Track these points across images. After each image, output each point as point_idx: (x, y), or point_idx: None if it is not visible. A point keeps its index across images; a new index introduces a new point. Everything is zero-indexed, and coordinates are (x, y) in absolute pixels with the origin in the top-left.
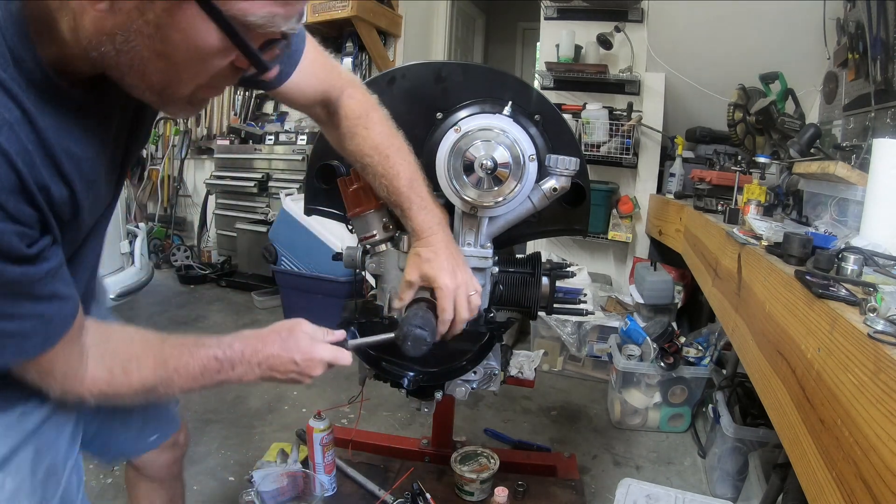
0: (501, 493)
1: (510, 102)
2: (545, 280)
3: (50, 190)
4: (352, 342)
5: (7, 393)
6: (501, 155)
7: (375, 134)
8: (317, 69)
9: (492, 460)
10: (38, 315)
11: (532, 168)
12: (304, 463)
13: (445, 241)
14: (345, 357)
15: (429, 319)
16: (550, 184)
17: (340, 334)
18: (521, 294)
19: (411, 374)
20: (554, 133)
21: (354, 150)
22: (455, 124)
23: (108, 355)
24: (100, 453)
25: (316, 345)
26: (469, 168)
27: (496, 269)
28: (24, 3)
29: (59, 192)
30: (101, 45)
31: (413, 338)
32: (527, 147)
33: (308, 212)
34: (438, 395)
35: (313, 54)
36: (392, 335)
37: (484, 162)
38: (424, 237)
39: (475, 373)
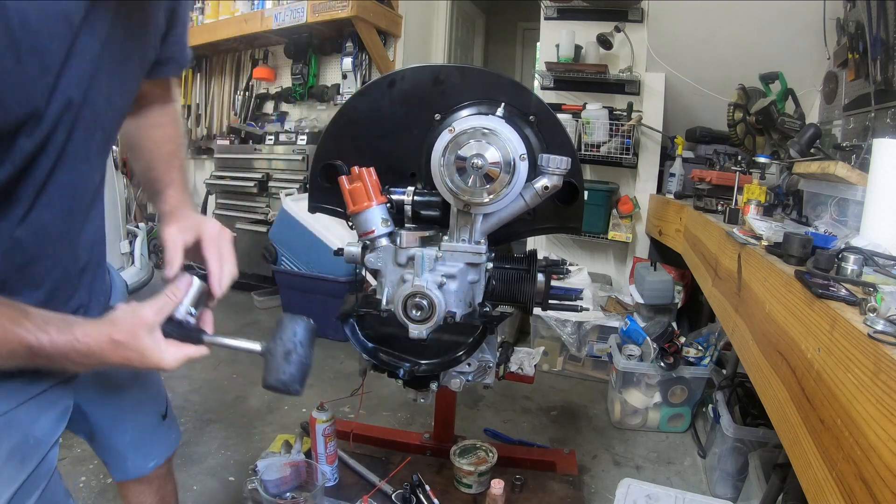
0: (497, 485)
1: (503, 104)
2: (540, 276)
3: None
4: (207, 338)
5: None
6: (492, 154)
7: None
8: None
9: (490, 454)
10: None
11: (523, 167)
12: (308, 454)
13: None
14: (198, 351)
15: (302, 358)
16: (542, 182)
17: (184, 283)
18: (517, 289)
19: (407, 364)
20: (549, 133)
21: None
22: (450, 125)
23: None
24: (108, 464)
25: (163, 355)
26: (462, 166)
27: (490, 265)
28: None
29: None
30: None
31: (276, 371)
32: (518, 146)
33: (312, 209)
34: (434, 385)
35: None
36: (258, 349)
37: (475, 161)
38: (176, 215)
39: (469, 365)
